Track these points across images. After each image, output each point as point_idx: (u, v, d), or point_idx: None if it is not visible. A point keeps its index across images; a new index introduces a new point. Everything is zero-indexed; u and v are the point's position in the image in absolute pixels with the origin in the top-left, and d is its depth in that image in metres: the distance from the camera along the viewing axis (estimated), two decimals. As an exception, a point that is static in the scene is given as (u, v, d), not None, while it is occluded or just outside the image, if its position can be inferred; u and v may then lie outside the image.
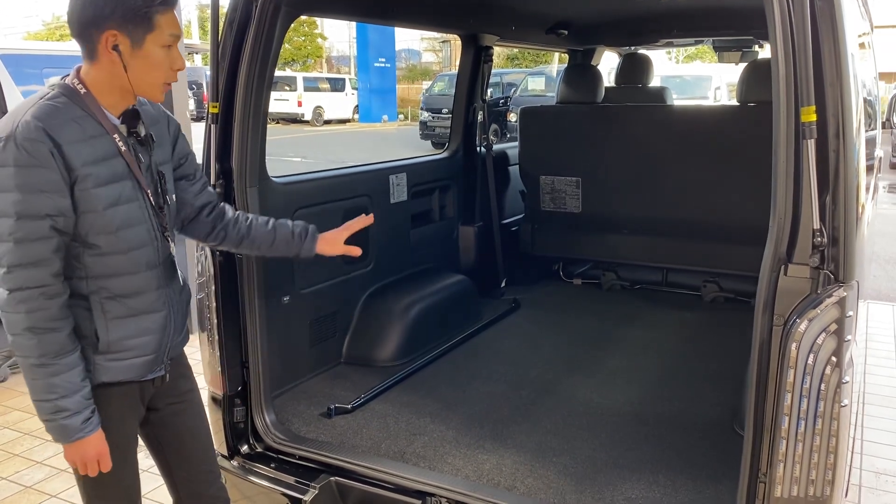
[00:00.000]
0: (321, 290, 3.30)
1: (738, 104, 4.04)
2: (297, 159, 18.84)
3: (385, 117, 32.63)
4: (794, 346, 1.83)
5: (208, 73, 2.81)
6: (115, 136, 1.93)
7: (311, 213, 3.19)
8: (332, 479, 2.57)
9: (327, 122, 31.54)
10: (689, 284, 4.55)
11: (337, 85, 33.18)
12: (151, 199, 2.02)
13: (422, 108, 21.14)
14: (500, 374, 3.34)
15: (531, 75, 20.55)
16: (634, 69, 5.21)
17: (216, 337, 2.70)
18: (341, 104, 32.81)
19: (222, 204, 2.35)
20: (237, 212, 2.38)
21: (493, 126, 20.44)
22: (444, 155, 4.33)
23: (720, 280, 4.44)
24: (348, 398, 3.06)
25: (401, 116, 34.08)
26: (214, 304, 2.67)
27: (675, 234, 4.31)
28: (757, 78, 3.94)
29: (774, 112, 1.86)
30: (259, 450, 2.78)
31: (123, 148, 1.95)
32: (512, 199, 4.79)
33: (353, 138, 25.68)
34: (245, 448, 2.79)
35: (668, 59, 26.89)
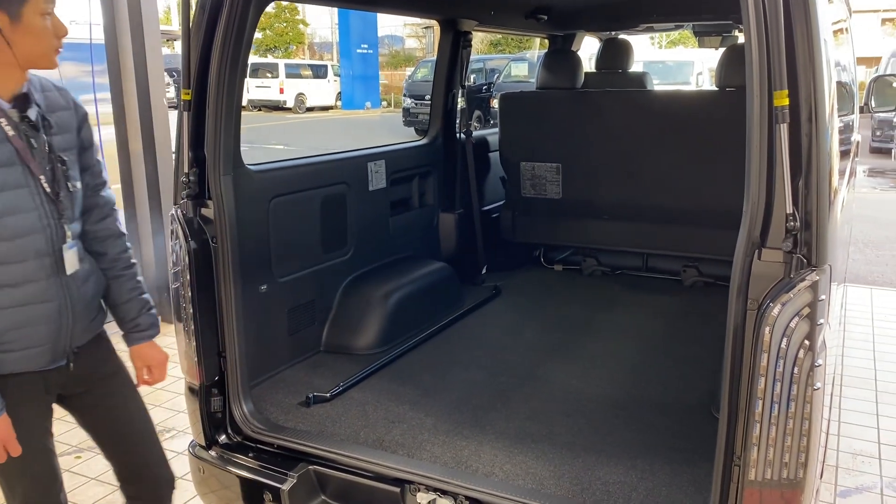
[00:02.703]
0: (299, 278, 3.28)
1: (717, 89, 4.04)
2: (279, 147, 18.74)
3: (368, 104, 32.46)
4: (767, 329, 1.83)
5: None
6: (3, 120, 1.90)
7: (287, 202, 3.17)
8: (310, 467, 2.57)
9: (310, 110, 31.32)
10: (669, 269, 4.57)
11: (319, 72, 32.93)
12: (45, 185, 1.99)
13: (404, 95, 21.05)
14: (480, 361, 3.33)
15: (514, 61, 20.48)
16: (615, 54, 5.19)
17: (192, 327, 2.68)
18: (324, 91, 32.57)
19: (112, 227, 2.34)
20: (123, 253, 2.38)
21: (476, 112, 20.46)
22: (424, 141, 4.31)
23: (700, 265, 4.46)
24: (327, 387, 3.05)
25: (384, 103, 33.92)
26: (189, 294, 2.65)
27: (655, 219, 4.32)
28: (735, 63, 3.94)
29: (748, 96, 1.86)
30: (237, 439, 2.77)
31: (11, 133, 1.92)
32: (492, 186, 4.78)
33: (336, 126, 25.53)
34: (223, 438, 2.78)
35: (651, 44, 26.95)
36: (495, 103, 19.22)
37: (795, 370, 1.84)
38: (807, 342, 1.83)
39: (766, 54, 1.79)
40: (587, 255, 4.71)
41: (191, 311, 2.67)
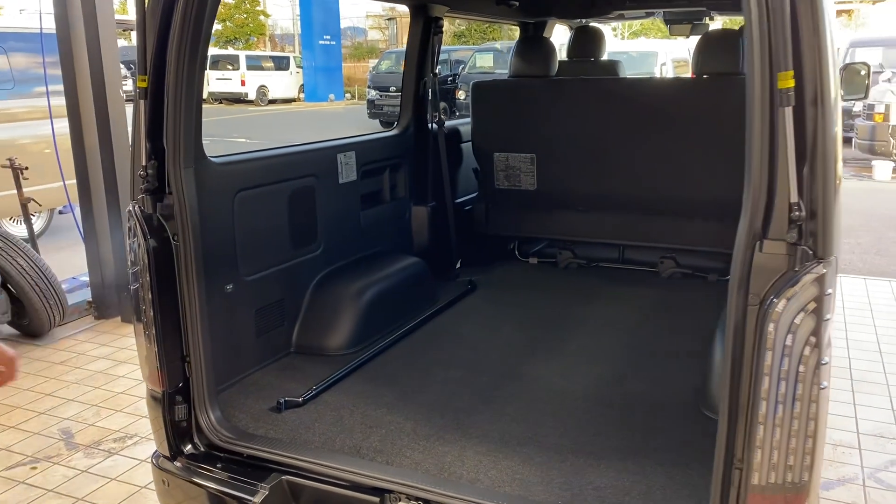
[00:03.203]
0: (267, 276, 3.11)
1: (694, 76, 3.96)
2: (242, 140, 18.39)
3: (332, 96, 32.10)
4: (771, 326, 1.73)
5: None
6: None
7: (253, 196, 3.00)
8: (283, 478, 2.42)
9: (272, 102, 30.89)
10: (646, 261, 4.48)
11: (281, 63, 32.47)
12: None
13: (369, 87, 20.80)
14: (459, 360, 3.21)
15: (479, 52, 20.35)
16: (587, 42, 5.09)
17: (153, 330, 2.51)
18: (286, 83, 32.14)
19: None
20: None
21: (442, 104, 20.30)
22: (395, 132, 4.15)
23: (677, 256, 4.39)
24: (299, 390, 2.90)
25: (348, 95, 33.58)
26: (150, 296, 2.48)
27: (631, 210, 4.24)
28: (713, 49, 3.87)
29: (748, 78, 1.74)
30: (203, 449, 2.60)
31: None
32: (465, 178, 4.65)
33: (299, 118, 25.18)
34: (188, 448, 2.61)
35: (614, 35, 26.99)
36: (461, 94, 19.11)
37: (801, 368, 1.74)
38: (812, 339, 1.73)
39: (769, 33, 1.68)
40: (562, 247, 4.60)
41: (151, 313, 2.50)
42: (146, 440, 4.13)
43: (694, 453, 2.42)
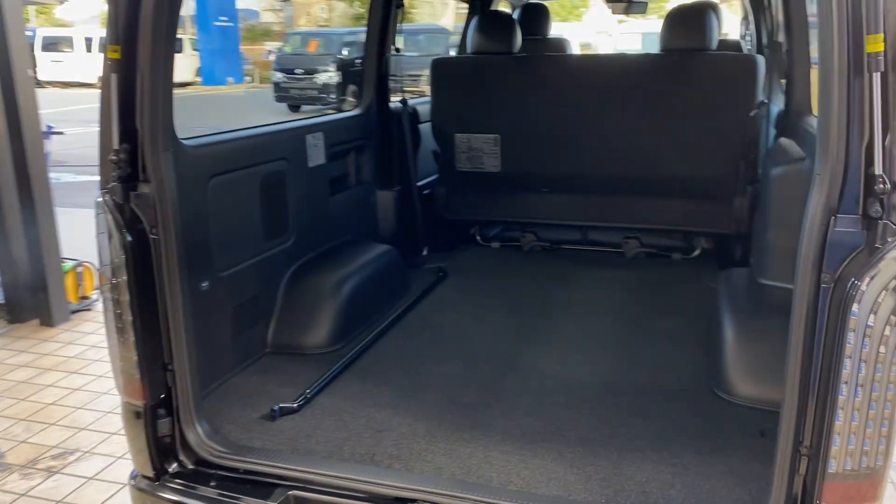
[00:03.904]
0: (242, 270, 2.83)
1: (662, 52, 3.89)
2: (141, 126, 17.34)
3: (231, 79, 30.88)
4: (856, 307, 1.63)
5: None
6: None
7: (226, 182, 2.72)
8: (290, 493, 2.18)
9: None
10: (610, 242, 4.42)
11: (175, 46, 30.99)
12: None
13: (274, 69, 20.08)
14: (451, 352, 3.03)
15: (388, 34, 20.00)
16: (535, 20, 4.97)
17: (132, 337, 2.21)
18: (180, 66, 30.70)
19: None
20: None
21: (353, 87, 19.86)
22: (358, 112, 3.90)
23: (641, 235, 4.34)
24: (287, 395, 2.65)
25: (248, 78, 32.43)
26: (128, 298, 2.18)
27: (596, 190, 4.16)
28: (681, 25, 3.80)
29: (822, 43, 1.63)
30: (192, 466, 2.33)
31: None
32: (424, 160, 4.44)
33: (199, 102, 24.05)
34: (174, 466, 2.33)
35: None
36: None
37: (881, 350, 1.66)
38: (893, 318, 1.65)
39: None
40: (525, 230, 4.48)
41: (130, 318, 2.20)
42: (91, 455, 3.76)
43: (725, 439, 2.34)
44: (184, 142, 2.50)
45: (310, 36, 21.42)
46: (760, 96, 3.77)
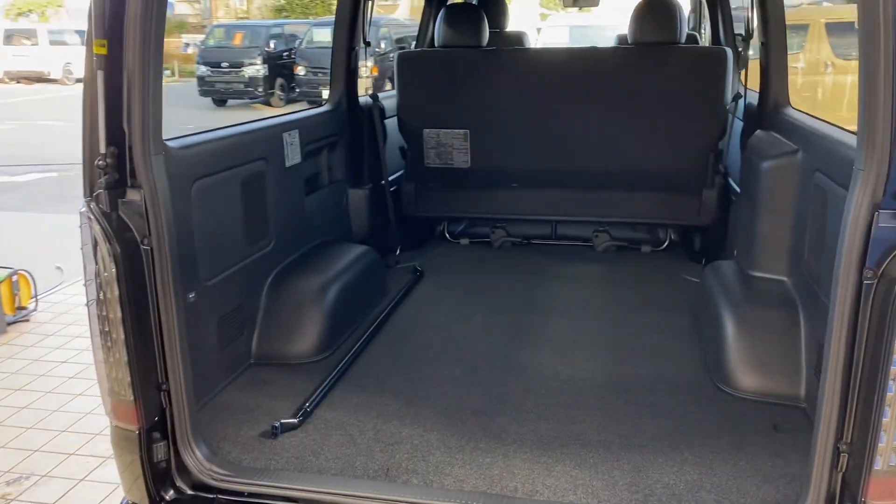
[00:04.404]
0: (226, 279, 2.67)
1: (632, 45, 3.88)
2: (58, 124, 16.55)
3: (149, 73, 29.74)
4: None
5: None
6: None
7: (209, 185, 2.55)
8: None
9: (78, 81, 28.17)
10: (579, 236, 4.41)
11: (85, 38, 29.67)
12: None
13: (198, 63, 19.40)
14: (447, 355, 2.93)
15: (316, 26, 19.57)
16: (493, 13, 4.89)
17: (124, 356, 2.04)
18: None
19: None
20: None
21: (279, 80, 19.40)
22: (328, 108, 3.73)
23: (610, 229, 4.34)
24: (284, 409, 2.51)
25: (167, 72, 31.31)
26: (119, 313, 2.00)
27: (567, 184, 4.13)
28: (650, 18, 3.80)
29: (867, 32, 1.61)
30: (191, 492, 2.17)
31: None
32: (390, 156, 4.31)
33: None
34: (171, 493, 2.17)
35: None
36: (300, 70, 18.35)
37: None
38: None
39: None
40: (495, 226, 4.42)
41: (122, 336, 2.03)
42: (49, 479, 3.50)
43: (741, 434, 2.33)
44: (167, 143, 2.32)
45: (234, 28, 20.77)
46: (731, 89, 3.81)
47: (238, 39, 19.39)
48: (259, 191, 2.89)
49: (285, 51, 19.21)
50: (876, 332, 1.68)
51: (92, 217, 1.99)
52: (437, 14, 4.74)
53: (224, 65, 18.52)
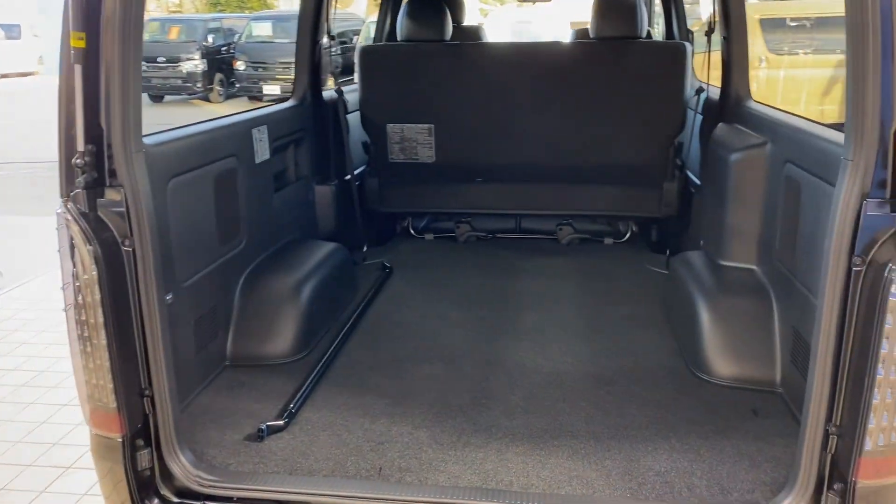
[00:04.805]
0: (201, 279, 2.60)
1: (594, 40, 3.91)
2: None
3: (78, 68, 28.73)
4: (894, 288, 1.68)
5: None
6: None
7: (184, 183, 2.48)
8: None
9: (4, 76, 27.13)
10: (543, 229, 4.45)
11: (12, 32, 28.57)
12: None
13: (133, 57, 18.80)
14: (426, 352, 2.92)
15: (255, 20, 19.23)
16: (452, 7, 4.87)
17: (105, 362, 1.96)
18: (19, 54, 28.37)
19: None
20: None
21: (219, 75, 18.99)
22: (293, 103, 3.66)
23: (573, 221, 4.39)
24: (267, 411, 2.46)
25: (99, 67, 30.27)
26: (101, 318, 1.93)
27: (531, 178, 4.15)
28: (612, 13, 3.84)
29: (854, 26, 1.65)
30: (175, 500, 2.11)
31: None
32: (353, 152, 4.26)
33: (51, 94, 22.28)
34: (155, 502, 2.10)
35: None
36: (239, 65, 17.99)
37: None
38: None
39: None
40: (460, 221, 4.42)
41: (104, 341, 1.95)
42: (7, 492, 3.35)
43: (723, 420, 2.39)
44: (143, 140, 2.24)
45: (170, 22, 20.24)
46: (690, 83, 3.89)
47: (174, 34, 18.91)
48: (231, 188, 2.82)
49: (224, 45, 18.82)
50: (865, 316, 1.74)
51: (70, 217, 1.91)
52: (394, 9, 4.72)
53: (161, 60, 18.03)
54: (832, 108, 10.72)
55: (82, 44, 1.84)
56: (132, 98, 1.92)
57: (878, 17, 1.63)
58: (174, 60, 18.00)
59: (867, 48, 1.65)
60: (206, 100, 18.54)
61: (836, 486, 1.85)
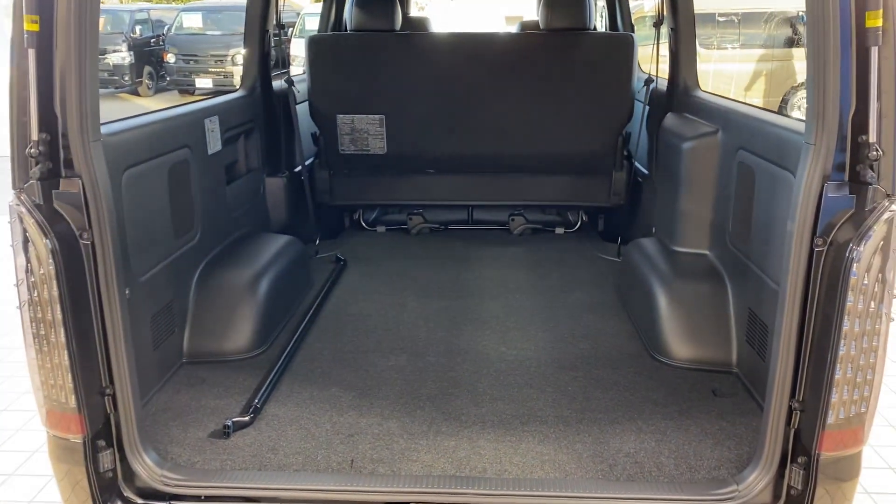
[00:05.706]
0: (157, 274, 2.52)
1: (543, 31, 3.95)
2: None
3: None
4: (855, 267, 1.75)
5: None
6: None
7: (138, 174, 2.39)
8: None
9: None
10: (495, 220, 4.48)
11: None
12: None
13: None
14: (389, 343, 2.90)
15: (185, 11, 18.69)
16: None
17: (64, 360, 1.88)
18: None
19: None
20: None
21: (148, 69, 18.39)
22: (242, 93, 3.58)
23: (525, 212, 4.43)
24: (229, 407, 2.40)
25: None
26: (59, 314, 1.85)
27: (482, 169, 4.17)
28: (561, 5, 3.88)
29: (816, 20, 1.71)
30: (140, 501, 2.05)
31: None
32: (302, 143, 4.20)
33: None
34: None
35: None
36: (170, 58, 17.48)
37: (872, 305, 1.79)
38: (880, 275, 1.79)
39: None
40: (412, 212, 4.40)
41: (62, 337, 1.87)
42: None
43: (685, 401, 2.45)
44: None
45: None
46: (637, 73, 3.96)
47: (99, 25, 18.23)
48: (185, 180, 2.74)
49: (153, 37, 18.24)
50: (827, 295, 1.80)
51: (24, 210, 1.83)
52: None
53: (91, 51, 17.35)
54: (759, 101, 11.13)
55: (36, 27, 1.76)
56: (89, 84, 1.84)
57: (838, 10, 1.69)
58: (100, 53, 17.37)
59: (828, 39, 1.70)
60: (135, 93, 17.94)
61: (799, 460, 1.92)
